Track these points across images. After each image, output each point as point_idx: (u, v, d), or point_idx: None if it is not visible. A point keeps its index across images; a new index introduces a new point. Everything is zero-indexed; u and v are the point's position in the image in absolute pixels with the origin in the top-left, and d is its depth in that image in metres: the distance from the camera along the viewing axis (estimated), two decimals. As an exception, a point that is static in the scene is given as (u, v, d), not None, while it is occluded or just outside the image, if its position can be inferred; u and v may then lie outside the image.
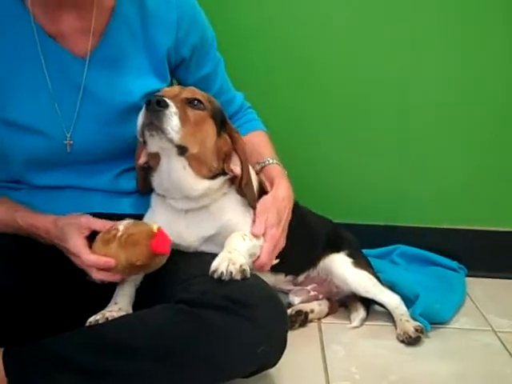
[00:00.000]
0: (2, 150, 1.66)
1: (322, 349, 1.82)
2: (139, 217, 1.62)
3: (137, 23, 1.65)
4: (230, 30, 2.21)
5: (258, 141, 1.85)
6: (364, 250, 2.22)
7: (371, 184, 2.42)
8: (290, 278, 1.98)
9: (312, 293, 2.03)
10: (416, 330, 1.86)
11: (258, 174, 1.74)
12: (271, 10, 2.26)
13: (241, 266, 1.42)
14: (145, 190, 1.64)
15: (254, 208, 1.62)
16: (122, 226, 1.48)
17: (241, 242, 1.53)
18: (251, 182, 1.62)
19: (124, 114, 1.62)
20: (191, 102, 1.51)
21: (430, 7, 2.23)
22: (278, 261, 1.62)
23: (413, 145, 2.37)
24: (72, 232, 1.49)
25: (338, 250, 2.00)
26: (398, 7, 2.24)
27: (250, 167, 1.68)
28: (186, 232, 1.60)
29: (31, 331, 1.48)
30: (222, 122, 1.57)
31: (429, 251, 2.36)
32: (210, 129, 1.53)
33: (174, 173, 1.52)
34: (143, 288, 1.60)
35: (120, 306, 1.53)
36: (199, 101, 1.52)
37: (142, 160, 1.59)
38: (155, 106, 1.40)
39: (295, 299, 2.02)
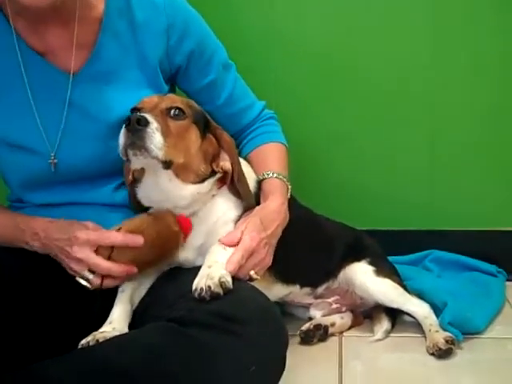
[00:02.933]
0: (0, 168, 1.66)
1: (340, 365, 1.71)
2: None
3: (127, 35, 1.61)
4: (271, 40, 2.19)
5: (266, 152, 1.77)
6: (396, 257, 2.15)
7: (402, 188, 2.31)
8: (307, 290, 1.88)
9: (334, 305, 1.93)
10: (447, 342, 1.73)
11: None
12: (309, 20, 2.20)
13: (219, 278, 1.35)
14: (139, 207, 1.58)
15: (250, 206, 1.56)
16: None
17: (221, 252, 1.44)
18: (244, 178, 1.55)
19: (116, 128, 1.56)
20: (171, 112, 1.46)
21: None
22: (258, 277, 1.50)
23: (446, 145, 2.25)
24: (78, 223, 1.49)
25: (358, 259, 1.89)
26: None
27: (249, 166, 1.64)
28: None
29: (24, 355, 1.44)
30: (205, 124, 1.53)
31: (465, 255, 2.22)
32: (193, 135, 1.49)
33: (161, 185, 1.48)
34: (139, 308, 1.55)
35: (114, 325, 1.48)
36: (179, 109, 1.46)
37: (131, 176, 1.54)
38: (136, 125, 1.35)
39: (316, 313, 1.92)
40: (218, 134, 1.55)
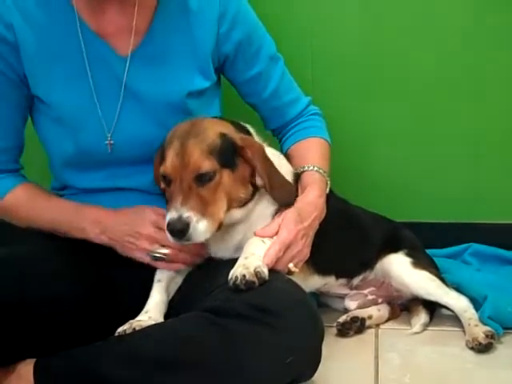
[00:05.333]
0: (47, 148, 1.68)
1: (376, 357, 1.69)
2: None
3: (181, 21, 1.62)
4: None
5: (307, 147, 1.76)
6: (434, 250, 2.11)
7: (442, 180, 2.26)
8: (343, 281, 1.87)
9: (370, 297, 1.92)
10: (486, 336, 1.70)
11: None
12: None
13: (255, 268, 1.35)
14: None
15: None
16: None
17: (259, 245, 1.45)
18: (279, 186, 1.52)
19: (166, 112, 1.60)
20: (199, 179, 1.42)
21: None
22: (296, 270, 1.50)
23: (486, 139, 2.21)
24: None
25: (395, 250, 1.86)
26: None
27: (283, 159, 1.64)
28: (220, 244, 1.55)
29: (64, 341, 1.45)
30: (232, 151, 1.46)
31: (505, 249, 2.17)
32: (227, 181, 1.45)
33: None
34: (175, 298, 1.57)
35: (150, 314, 1.49)
36: (206, 173, 1.42)
37: (163, 186, 1.52)
38: (179, 234, 1.38)
39: (351, 304, 1.91)
40: (243, 153, 1.47)
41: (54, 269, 1.54)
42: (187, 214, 1.37)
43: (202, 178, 1.42)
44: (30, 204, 1.63)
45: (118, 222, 1.56)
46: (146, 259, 1.55)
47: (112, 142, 1.60)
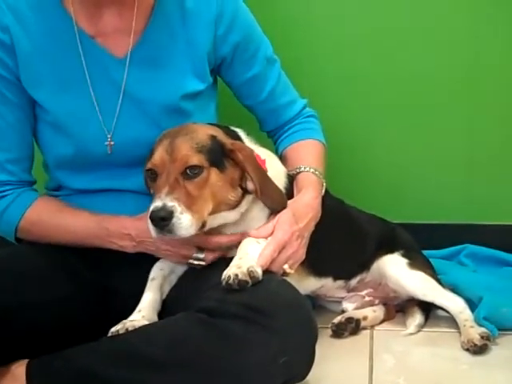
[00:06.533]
0: (44, 151, 1.67)
1: (371, 358, 1.69)
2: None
3: (177, 22, 1.61)
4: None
5: (302, 149, 1.76)
6: (430, 251, 2.11)
7: (438, 181, 2.27)
8: (340, 283, 1.86)
9: (367, 298, 1.91)
10: (482, 337, 1.69)
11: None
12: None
13: (248, 268, 1.35)
14: None
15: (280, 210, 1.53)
16: None
17: (253, 245, 1.44)
18: (269, 191, 1.51)
19: (162, 113, 1.59)
20: (187, 172, 1.41)
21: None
22: (292, 271, 1.50)
23: (484, 139, 2.22)
24: None
25: (391, 251, 1.86)
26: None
27: (276, 159, 1.63)
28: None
29: (57, 341, 1.44)
30: (222, 153, 1.46)
31: (501, 250, 2.17)
32: (214, 180, 1.43)
33: None
34: (169, 297, 1.56)
35: (143, 313, 1.49)
36: (194, 166, 1.41)
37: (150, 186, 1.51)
38: (161, 222, 1.35)
39: (348, 306, 1.90)
40: (234, 156, 1.46)
41: (51, 272, 1.54)
42: (171, 203, 1.36)
43: (190, 172, 1.41)
44: (53, 221, 1.60)
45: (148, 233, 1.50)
46: (184, 262, 1.55)
47: (112, 143, 1.59)
